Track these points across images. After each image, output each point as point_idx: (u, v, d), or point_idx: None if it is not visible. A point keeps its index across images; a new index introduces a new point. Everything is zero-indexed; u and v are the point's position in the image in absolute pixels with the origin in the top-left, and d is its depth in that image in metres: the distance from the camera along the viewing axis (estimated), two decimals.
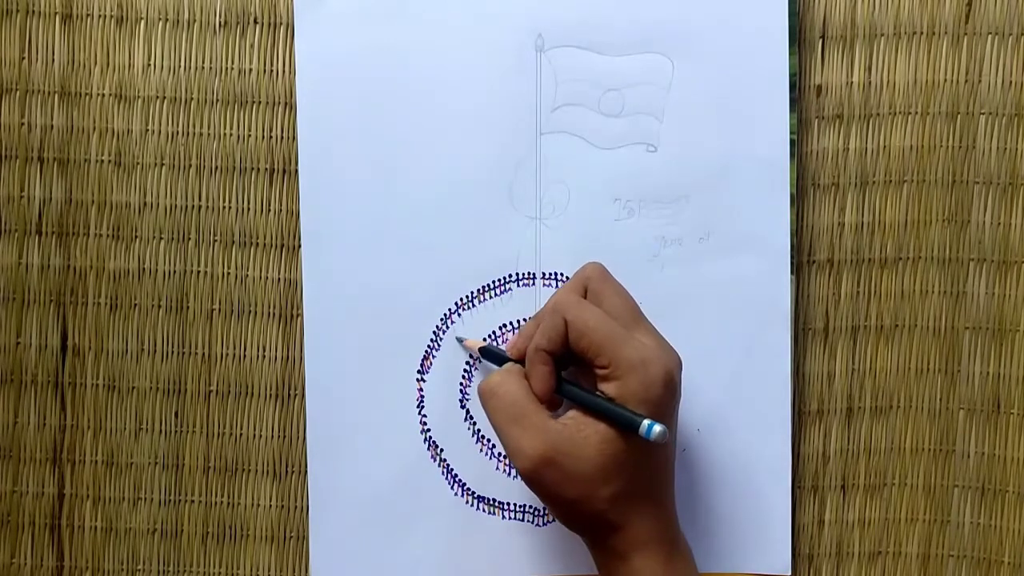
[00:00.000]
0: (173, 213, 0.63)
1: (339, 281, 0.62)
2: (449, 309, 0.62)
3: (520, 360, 0.57)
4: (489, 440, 0.62)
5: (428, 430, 0.62)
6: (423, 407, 0.62)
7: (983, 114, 0.62)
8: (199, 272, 0.63)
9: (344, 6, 0.61)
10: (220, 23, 0.62)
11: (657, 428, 0.51)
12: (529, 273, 0.62)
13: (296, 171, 0.62)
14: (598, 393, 0.53)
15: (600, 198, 0.62)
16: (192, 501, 0.63)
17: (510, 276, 0.62)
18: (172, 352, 0.63)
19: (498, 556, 0.62)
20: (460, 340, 0.62)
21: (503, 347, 0.61)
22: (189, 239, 0.63)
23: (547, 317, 0.54)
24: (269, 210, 0.63)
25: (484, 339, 0.62)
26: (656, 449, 0.53)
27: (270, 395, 0.63)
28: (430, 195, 0.62)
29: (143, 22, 0.62)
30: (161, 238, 0.63)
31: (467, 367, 0.62)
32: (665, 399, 0.53)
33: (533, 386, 0.54)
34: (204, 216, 0.63)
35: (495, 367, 0.58)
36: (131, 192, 0.63)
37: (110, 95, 0.62)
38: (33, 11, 0.62)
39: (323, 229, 0.62)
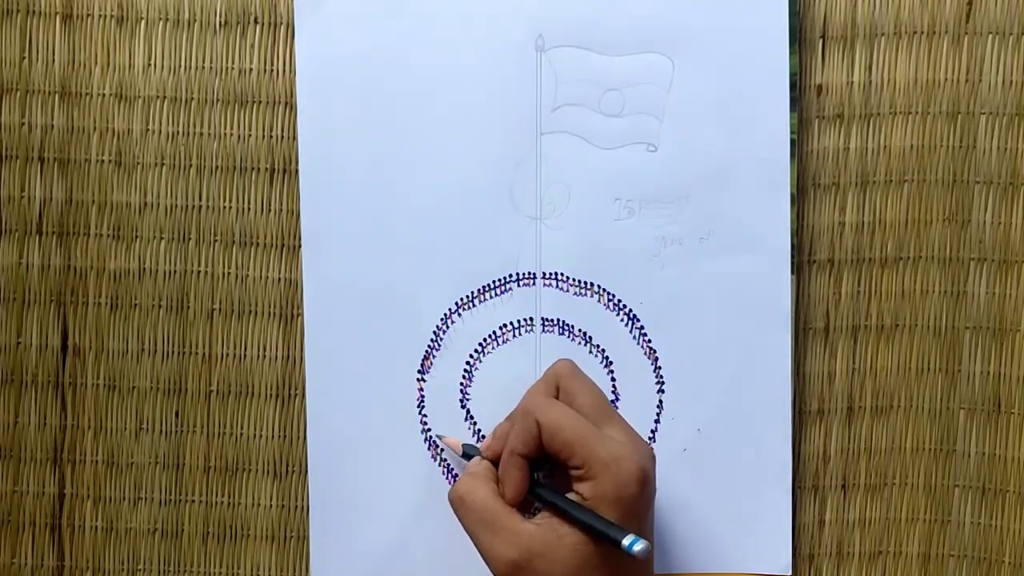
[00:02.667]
0: (173, 213, 0.63)
1: (340, 281, 0.62)
2: (449, 309, 0.62)
3: (495, 460, 0.57)
4: None
5: (428, 430, 0.62)
6: (423, 407, 0.62)
7: (984, 114, 0.62)
8: (199, 272, 0.63)
9: (344, 6, 0.61)
10: (220, 23, 0.62)
11: (639, 546, 0.51)
12: (529, 273, 0.62)
13: (296, 171, 0.62)
14: (573, 492, 0.54)
15: (600, 198, 0.62)
16: (192, 501, 0.64)
17: (510, 276, 0.62)
18: (172, 352, 0.63)
19: None
20: (439, 438, 0.62)
21: (480, 442, 0.61)
22: (189, 239, 0.63)
23: (519, 420, 0.55)
24: (269, 210, 0.63)
25: (482, 342, 0.62)
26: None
27: (270, 395, 0.63)
28: (430, 195, 0.62)
29: (143, 22, 0.62)
30: (161, 238, 0.63)
31: (467, 367, 0.62)
32: (639, 497, 0.53)
33: (505, 491, 0.55)
34: (204, 216, 0.63)
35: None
36: (131, 192, 0.63)
37: (110, 95, 0.62)
38: (33, 11, 0.62)
39: (323, 229, 0.62)
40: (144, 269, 0.63)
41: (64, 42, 0.62)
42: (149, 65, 0.62)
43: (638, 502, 0.53)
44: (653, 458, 0.55)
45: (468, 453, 0.60)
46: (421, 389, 0.62)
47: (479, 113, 0.61)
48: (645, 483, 0.53)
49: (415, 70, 0.61)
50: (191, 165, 0.63)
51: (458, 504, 0.55)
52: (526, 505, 0.55)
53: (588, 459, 0.53)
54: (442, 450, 0.62)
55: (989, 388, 0.63)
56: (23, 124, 0.63)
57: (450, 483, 0.62)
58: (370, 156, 0.62)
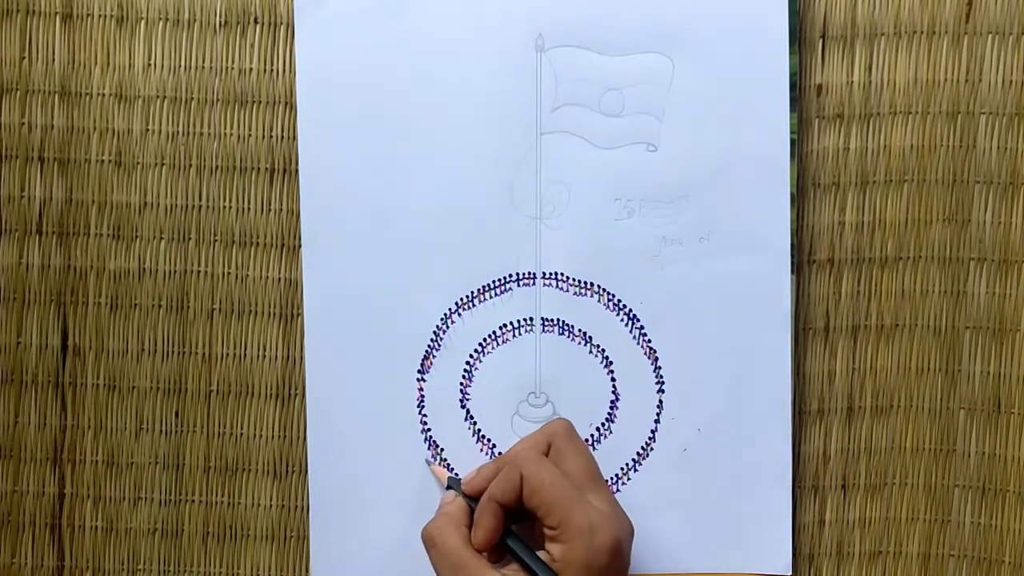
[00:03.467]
0: (173, 213, 0.63)
1: (339, 281, 0.62)
2: (449, 309, 0.62)
3: (473, 497, 0.57)
4: (489, 440, 0.62)
5: (428, 430, 0.62)
6: (423, 407, 0.62)
7: (983, 113, 0.62)
8: (199, 272, 0.63)
9: (344, 6, 0.61)
10: (220, 23, 0.62)
11: None
12: (529, 273, 0.62)
13: (296, 171, 0.62)
14: (544, 551, 0.54)
15: (600, 198, 0.62)
16: (192, 501, 0.64)
17: (510, 276, 0.62)
18: (172, 352, 0.63)
19: None
20: (428, 463, 0.62)
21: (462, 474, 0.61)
22: (189, 239, 0.63)
23: (505, 469, 0.55)
24: (269, 210, 0.63)
25: (482, 342, 0.62)
26: None
27: (270, 395, 0.63)
28: (430, 195, 0.62)
29: (143, 22, 0.62)
30: (161, 238, 0.63)
31: (467, 367, 0.62)
32: (608, 568, 0.53)
33: (476, 535, 0.55)
34: (204, 216, 0.63)
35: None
36: (131, 192, 0.63)
37: (110, 95, 0.62)
38: (33, 11, 0.62)
39: (323, 229, 0.62)
40: (144, 269, 0.63)
41: (64, 42, 0.62)
42: (149, 65, 0.62)
43: (607, 573, 0.53)
44: (631, 533, 0.55)
45: (451, 486, 0.60)
46: (421, 389, 0.62)
47: (479, 113, 0.61)
48: (617, 555, 0.53)
49: (415, 70, 0.61)
50: (191, 165, 0.63)
51: (429, 544, 0.55)
52: (497, 550, 0.56)
53: (564, 522, 0.53)
54: (442, 450, 0.62)
55: (989, 388, 0.63)
56: (23, 124, 0.63)
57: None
58: (370, 156, 0.62)
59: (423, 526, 0.56)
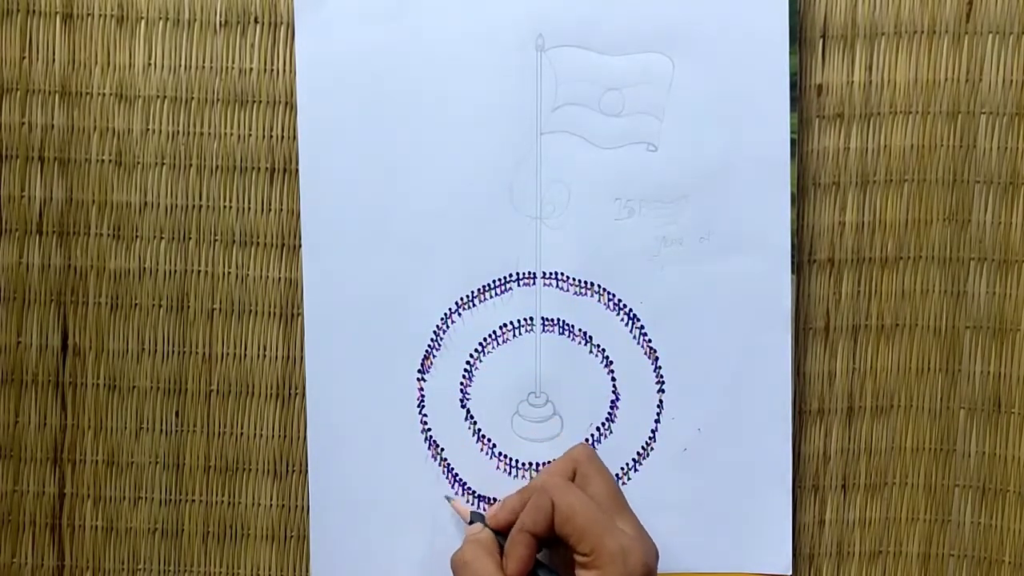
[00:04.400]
0: (173, 213, 0.63)
1: (340, 281, 0.62)
2: (449, 309, 0.62)
3: (498, 530, 0.58)
4: (490, 440, 0.62)
5: (428, 430, 0.62)
6: (423, 407, 0.62)
7: (984, 113, 0.62)
8: (200, 272, 0.63)
9: (344, 6, 0.61)
10: (220, 23, 0.62)
11: None
12: (529, 273, 0.62)
13: (296, 171, 0.62)
14: None
15: (600, 198, 0.62)
16: (193, 500, 0.64)
17: (510, 276, 0.62)
18: (173, 352, 0.63)
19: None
20: (449, 499, 0.62)
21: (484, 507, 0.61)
22: (190, 239, 0.63)
23: (535, 498, 0.55)
24: (269, 210, 0.63)
25: (482, 342, 0.62)
26: None
27: (271, 395, 0.63)
28: (430, 194, 0.62)
29: (143, 22, 0.62)
30: (162, 238, 0.63)
31: (467, 367, 0.62)
32: None
33: (509, 566, 0.55)
34: (205, 216, 0.63)
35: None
36: (132, 192, 0.63)
37: (110, 95, 0.62)
38: (33, 11, 0.62)
39: (323, 229, 0.62)
40: (144, 269, 0.63)
41: (64, 42, 0.62)
42: (149, 65, 0.62)
43: None
44: (657, 555, 0.56)
45: (474, 519, 0.60)
46: (421, 389, 0.62)
47: (479, 113, 0.61)
48: None
49: (415, 70, 0.61)
50: (191, 165, 0.63)
51: (462, 568, 0.55)
52: None
53: (597, 548, 0.53)
54: (442, 450, 0.62)
55: (989, 388, 0.63)
56: (23, 124, 0.63)
57: (450, 483, 0.62)
58: (370, 156, 0.62)
59: (453, 553, 0.56)
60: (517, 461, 0.62)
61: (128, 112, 0.62)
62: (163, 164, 0.63)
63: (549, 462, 0.62)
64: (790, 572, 0.62)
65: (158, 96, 0.62)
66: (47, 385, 0.63)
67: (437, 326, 0.62)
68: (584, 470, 0.57)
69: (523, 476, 0.62)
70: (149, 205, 0.63)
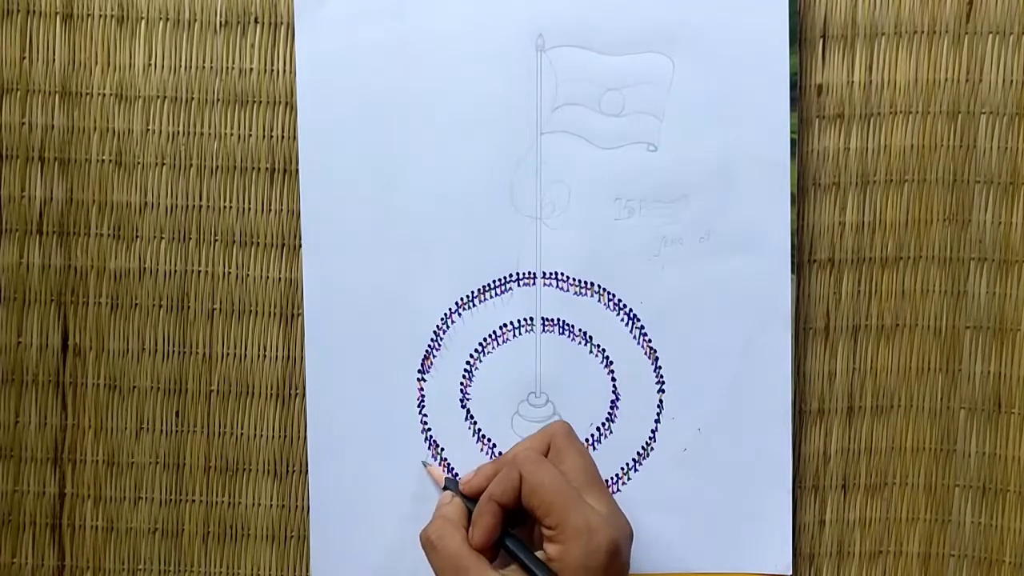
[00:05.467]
0: (174, 213, 0.63)
1: (340, 281, 0.62)
2: (450, 309, 0.62)
3: (471, 497, 0.58)
4: (490, 440, 0.62)
5: (429, 429, 0.62)
6: (424, 407, 0.62)
7: (984, 113, 0.62)
8: (200, 272, 0.63)
9: (344, 6, 0.61)
10: (220, 23, 0.62)
11: None
12: (529, 273, 0.62)
13: (296, 171, 0.62)
14: (542, 551, 0.54)
15: (600, 198, 0.62)
16: (193, 501, 0.64)
17: (510, 276, 0.62)
18: (173, 352, 0.63)
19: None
20: (425, 464, 0.62)
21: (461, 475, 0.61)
22: (190, 239, 0.63)
23: (505, 469, 0.55)
24: (270, 210, 0.63)
25: (482, 342, 0.62)
26: None
27: (271, 395, 0.63)
28: (431, 195, 0.62)
29: (143, 22, 0.62)
30: (162, 238, 0.63)
31: (468, 367, 0.62)
32: (607, 569, 0.53)
33: (475, 535, 0.55)
34: (205, 216, 0.63)
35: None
36: (132, 192, 0.63)
37: (111, 95, 0.62)
38: (33, 11, 0.62)
39: (324, 229, 0.62)
40: (144, 269, 0.63)
41: (64, 42, 0.62)
42: (149, 65, 0.62)
43: (604, 574, 0.53)
44: (630, 536, 0.55)
45: (447, 486, 0.60)
46: (421, 389, 0.62)
47: (479, 113, 0.61)
48: (615, 556, 0.53)
49: (415, 70, 0.61)
50: (191, 165, 0.63)
51: (428, 547, 0.56)
52: (495, 551, 0.56)
53: (562, 522, 0.53)
54: (442, 450, 0.62)
55: (989, 388, 0.63)
56: (23, 124, 0.63)
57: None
58: (370, 156, 0.62)
59: (421, 529, 0.56)
60: None
61: (128, 112, 0.62)
62: (163, 164, 0.63)
63: None
64: (790, 572, 0.62)
65: (158, 96, 0.62)
66: (47, 385, 0.63)
67: (437, 326, 0.62)
68: (558, 445, 0.57)
69: None
70: (149, 205, 0.63)
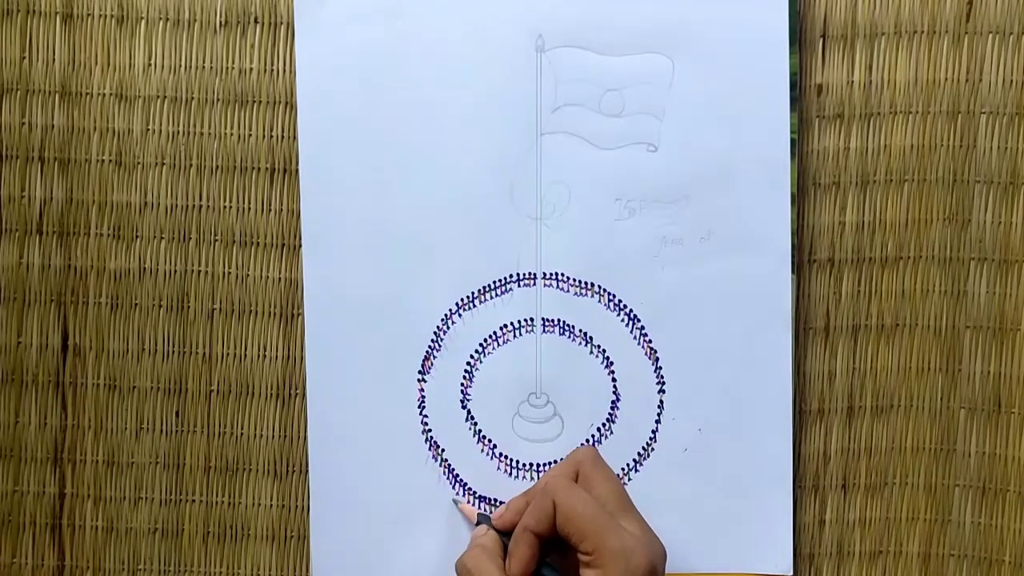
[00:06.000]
0: (174, 213, 0.63)
1: (340, 281, 0.62)
2: (450, 309, 0.62)
3: (504, 531, 0.58)
4: (490, 440, 0.62)
5: (429, 430, 0.62)
6: (424, 407, 0.62)
7: (984, 113, 0.62)
8: (200, 272, 0.63)
9: (344, 6, 0.61)
10: (220, 23, 0.62)
11: None
12: (530, 273, 0.62)
13: (296, 171, 0.62)
14: None
15: (601, 198, 0.62)
16: (193, 501, 0.64)
17: (511, 276, 0.62)
18: (173, 352, 0.63)
19: None
20: (456, 502, 0.62)
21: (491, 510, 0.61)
22: (190, 239, 0.63)
23: (538, 498, 0.56)
24: (270, 210, 0.63)
25: (482, 343, 0.62)
26: None
27: (271, 395, 0.63)
28: (431, 195, 0.62)
29: (143, 22, 0.62)
30: (162, 238, 0.63)
31: (468, 367, 0.62)
32: None
33: (512, 566, 0.55)
34: (205, 216, 0.63)
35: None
36: (132, 192, 0.63)
37: (111, 95, 0.62)
38: (33, 11, 0.62)
39: (324, 229, 0.62)
40: (144, 269, 0.63)
41: (64, 42, 0.62)
42: (149, 65, 0.62)
43: None
44: (664, 556, 0.55)
45: (480, 521, 0.60)
46: (422, 389, 0.62)
47: (479, 113, 0.61)
48: None
49: (415, 70, 0.61)
50: (191, 165, 0.63)
51: (465, 574, 0.56)
52: None
53: (599, 547, 0.53)
54: (443, 451, 0.62)
55: (989, 388, 0.63)
56: (23, 124, 0.63)
57: (450, 483, 0.62)
58: (370, 156, 0.62)
59: (458, 559, 0.57)
60: (518, 462, 0.62)
61: (128, 112, 0.62)
62: (163, 164, 0.63)
63: (551, 463, 0.62)
64: (791, 572, 0.62)
65: (158, 96, 0.62)
66: (47, 385, 0.63)
67: (437, 326, 0.62)
68: (587, 471, 0.57)
69: (524, 477, 0.62)
70: (149, 205, 0.63)
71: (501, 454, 0.62)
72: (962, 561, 0.63)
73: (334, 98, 0.62)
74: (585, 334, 0.62)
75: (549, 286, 0.62)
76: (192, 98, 0.62)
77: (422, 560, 0.62)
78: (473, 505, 0.62)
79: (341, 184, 0.62)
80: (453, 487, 0.62)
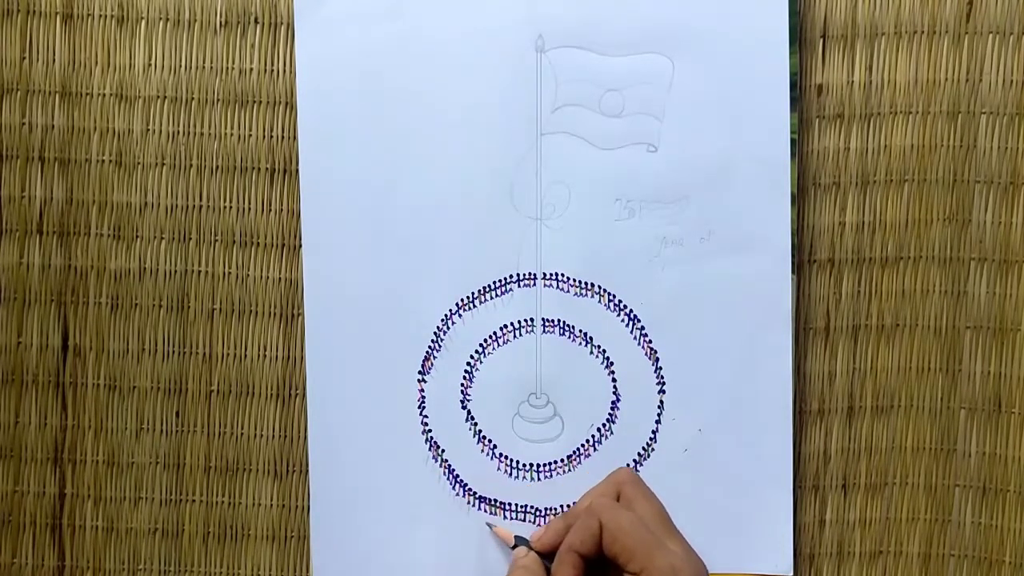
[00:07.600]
0: (174, 213, 0.63)
1: (340, 281, 0.62)
2: (450, 309, 0.62)
3: (544, 553, 0.58)
4: (490, 440, 0.62)
5: (429, 430, 0.62)
6: (424, 407, 0.62)
7: (984, 113, 0.62)
8: (200, 272, 0.63)
9: (344, 6, 0.61)
10: (220, 23, 0.62)
11: None
12: (530, 274, 0.62)
13: (296, 171, 0.62)
14: None
15: (601, 198, 0.62)
16: (193, 501, 0.64)
17: (511, 276, 0.62)
18: (173, 352, 0.63)
19: (499, 556, 0.62)
20: (490, 526, 0.62)
21: (528, 533, 0.60)
22: (190, 239, 0.63)
23: (582, 518, 0.55)
24: (270, 210, 0.63)
25: (483, 343, 0.62)
26: None
27: (271, 395, 0.63)
28: (431, 195, 0.62)
29: (143, 22, 0.62)
30: (162, 238, 0.63)
31: (468, 368, 0.62)
32: None
33: None
34: (205, 216, 0.63)
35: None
36: (132, 192, 0.63)
37: (111, 95, 0.62)
38: (33, 11, 0.62)
39: (324, 229, 0.62)
40: (144, 269, 0.63)
41: (64, 42, 0.62)
42: (149, 65, 0.62)
43: None
44: (707, 574, 0.55)
45: (519, 543, 0.60)
46: (422, 390, 0.62)
47: (479, 113, 0.61)
48: None
49: (415, 70, 0.61)
50: (191, 165, 0.63)
51: None
52: None
53: (647, 567, 0.53)
54: (443, 451, 0.62)
55: (989, 388, 0.63)
56: (23, 124, 0.63)
57: (450, 483, 0.62)
58: (370, 156, 0.62)
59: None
60: (518, 462, 0.62)
61: (128, 112, 0.62)
62: (163, 164, 0.63)
63: (551, 463, 0.62)
64: (791, 572, 0.62)
65: (158, 96, 0.62)
66: (47, 385, 0.63)
67: (438, 327, 0.62)
68: (629, 492, 0.57)
69: (523, 477, 0.62)
70: (149, 205, 0.63)
71: (501, 454, 0.62)
72: (962, 561, 0.63)
73: (334, 98, 0.62)
74: (585, 334, 0.62)
75: (549, 286, 0.62)
76: (192, 98, 0.62)
77: (422, 560, 0.62)
78: (473, 505, 0.62)
79: (341, 184, 0.62)
80: (453, 487, 0.62)
